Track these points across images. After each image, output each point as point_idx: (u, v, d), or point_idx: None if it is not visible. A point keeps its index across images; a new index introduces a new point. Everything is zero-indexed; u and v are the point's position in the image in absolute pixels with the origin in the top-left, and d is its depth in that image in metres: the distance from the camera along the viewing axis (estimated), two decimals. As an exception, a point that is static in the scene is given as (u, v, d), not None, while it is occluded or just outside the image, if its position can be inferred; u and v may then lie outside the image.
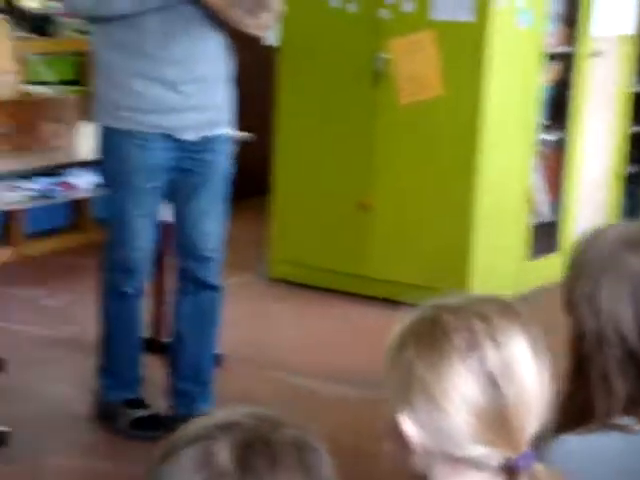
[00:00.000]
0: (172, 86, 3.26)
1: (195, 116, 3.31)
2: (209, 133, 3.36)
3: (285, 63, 4.99)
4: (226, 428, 1.09)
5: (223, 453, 1.07)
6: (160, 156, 3.31)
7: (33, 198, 3.57)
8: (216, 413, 1.13)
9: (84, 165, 3.68)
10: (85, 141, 3.85)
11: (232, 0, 3.15)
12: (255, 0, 3.17)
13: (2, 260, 5.14)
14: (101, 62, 3.31)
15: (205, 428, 1.10)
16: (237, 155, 3.60)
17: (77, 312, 4.55)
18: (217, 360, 3.68)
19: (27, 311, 4.59)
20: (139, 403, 3.52)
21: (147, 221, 3.37)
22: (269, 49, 5.08)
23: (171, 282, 3.67)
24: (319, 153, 4.96)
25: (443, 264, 4.72)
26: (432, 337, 1.38)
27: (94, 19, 3.30)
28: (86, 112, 4.87)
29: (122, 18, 3.20)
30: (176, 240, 3.49)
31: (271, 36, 3.31)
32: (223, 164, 3.45)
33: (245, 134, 4.15)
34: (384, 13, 4.75)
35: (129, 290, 3.42)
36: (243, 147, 4.04)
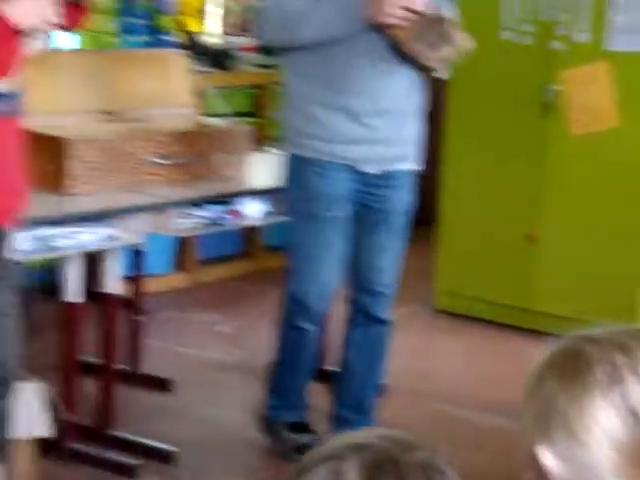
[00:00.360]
0: (356, 117, 3.27)
1: (379, 149, 3.31)
2: (393, 167, 3.35)
3: (455, 94, 5.01)
4: (357, 448, 1.11)
5: (351, 472, 1.09)
6: (340, 186, 3.32)
7: (205, 225, 3.69)
8: (350, 434, 1.16)
9: (254, 194, 3.78)
10: (256, 171, 3.96)
11: (417, 32, 3.15)
12: (439, 34, 3.17)
13: (177, 286, 5.32)
14: (288, 90, 3.37)
15: (337, 448, 1.12)
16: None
17: (248, 337, 4.66)
18: (380, 389, 3.70)
19: (200, 335, 4.73)
20: (304, 427, 3.56)
21: (326, 252, 3.35)
22: (439, 80, 5.10)
23: (338, 310, 3.71)
24: (487, 184, 4.94)
25: (614, 299, 4.61)
26: (574, 369, 1.36)
27: (281, 48, 3.37)
28: (258, 143, 5.00)
29: (309, 47, 3.25)
30: (350, 271, 3.48)
31: (444, 69, 3.28)
32: (405, 200, 3.43)
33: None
34: (557, 45, 4.71)
35: (302, 324, 3.41)
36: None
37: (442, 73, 3.31)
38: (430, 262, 5.20)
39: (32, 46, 2.60)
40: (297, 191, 3.37)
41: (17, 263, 2.78)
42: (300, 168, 3.34)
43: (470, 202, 5.00)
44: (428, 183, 5.09)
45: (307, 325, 3.42)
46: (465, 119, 4.97)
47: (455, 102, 5.01)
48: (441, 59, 3.21)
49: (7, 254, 2.72)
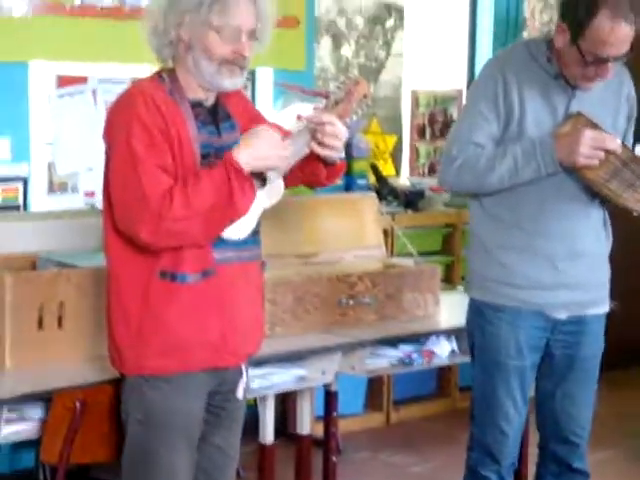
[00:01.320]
0: (547, 262, 3.17)
1: (570, 294, 3.20)
2: (583, 313, 3.24)
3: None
4: None
5: None
6: (528, 334, 3.20)
7: (396, 365, 3.71)
8: None
9: (446, 333, 3.79)
10: (446, 310, 3.96)
11: (611, 173, 3.08)
12: (638, 174, 3.08)
13: (371, 425, 5.31)
14: (474, 233, 3.30)
15: None
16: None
17: (442, 479, 4.59)
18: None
19: (394, 477, 4.68)
20: None
21: (512, 403, 3.22)
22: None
23: (532, 455, 3.61)
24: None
25: None
26: None
27: (468, 194, 3.30)
28: (449, 281, 5.01)
29: (496, 192, 3.19)
30: (538, 417, 3.36)
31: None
32: (595, 346, 3.30)
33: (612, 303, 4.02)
34: None
35: (486, 473, 3.28)
36: (609, 317, 3.95)
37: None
38: (632, 405, 5.01)
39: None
40: (481, 337, 3.26)
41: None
42: (485, 314, 3.24)
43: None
44: (629, 322, 4.94)
45: (489, 473, 3.28)
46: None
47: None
48: (639, 200, 3.11)
49: (241, 395, 2.82)
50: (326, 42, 5.56)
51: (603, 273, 3.31)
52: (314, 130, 2.67)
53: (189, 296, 2.66)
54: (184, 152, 2.63)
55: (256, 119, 2.86)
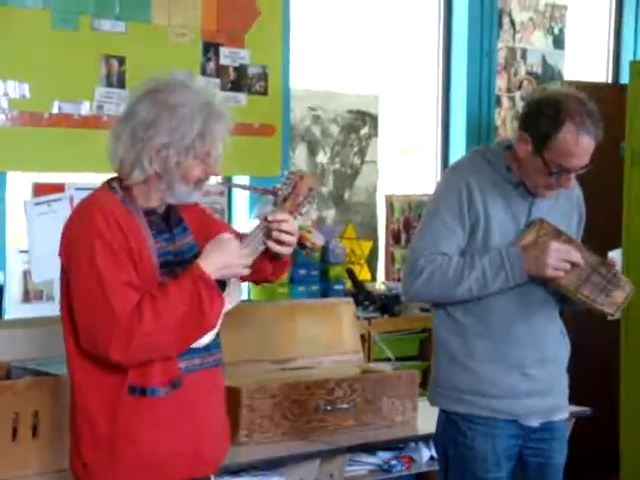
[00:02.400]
0: (518, 369, 3.16)
1: (541, 401, 3.19)
2: (551, 418, 3.23)
3: (630, 332, 4.91)
4: None
5: None
6: (505, 443, 3.17)
7: (375, 472, 3.69)
8: None
9: (425, 439, 3.77)
10: (424, 415, 3.94)
11: (584, 279, 3.10)
12: (608, 278, 3.12)
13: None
14: (440, 343, 3.25)
15: None
16: (574, 432, 3.47)
17: None
18: None
19: None
20: None
21: None
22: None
23: None
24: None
25: None
26: None
27: (435, 304, 3.27)
28: (425, 386, 4.97)
29: (463, 302, 3.17)
30: None
31: (618, 312, 3.19)
32: (563, 452, 3.29)
33: (583, 408, 4.01)
34: None
35: None
36: (581, 423, 3.93)
37: (615, 314, 3.22)
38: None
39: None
40: (455, 449, 3.20)
41: None
42: (458, 425, 3.19)
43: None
44: (601, 426, 4.91)
45: None
46: None
47: (631, 341, 4.90)
48: (612, 304, 3.13)
49: None
50: (301, 149, 5.63)
51: (566, 378, 3.32)
52: (267, 228, 2.69)
53: (160, 409, 2.62)
54: (144, 263, 2.62)
55: (206, 219, 2.88)
